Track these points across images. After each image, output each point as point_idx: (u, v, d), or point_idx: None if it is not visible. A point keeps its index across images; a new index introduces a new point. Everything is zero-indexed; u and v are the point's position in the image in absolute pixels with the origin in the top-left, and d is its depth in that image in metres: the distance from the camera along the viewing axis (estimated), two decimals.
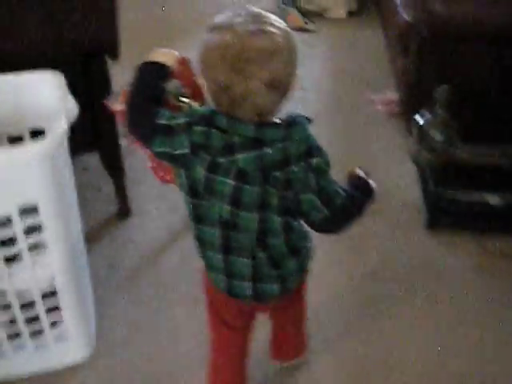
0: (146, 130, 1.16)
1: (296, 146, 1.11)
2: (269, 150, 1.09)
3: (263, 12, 1.11)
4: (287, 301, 1.40)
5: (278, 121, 1.13)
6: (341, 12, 3.73)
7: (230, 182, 1.12)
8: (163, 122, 1.14)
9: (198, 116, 1.13)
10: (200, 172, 1.12)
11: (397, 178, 2.39)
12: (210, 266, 1.28)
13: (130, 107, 1.20)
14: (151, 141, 1.15)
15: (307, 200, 1.15)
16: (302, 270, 1.33)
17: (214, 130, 1.10)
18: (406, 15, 2.43)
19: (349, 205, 1.20)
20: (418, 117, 2.28)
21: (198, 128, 1.11)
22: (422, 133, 2.28)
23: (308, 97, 2.83)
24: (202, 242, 1.25)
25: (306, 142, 1.12)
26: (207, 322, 1.44)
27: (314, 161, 1.12)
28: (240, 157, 1.10)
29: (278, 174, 1.11)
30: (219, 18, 1.11)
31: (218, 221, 1.18)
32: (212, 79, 1.08)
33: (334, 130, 2.65)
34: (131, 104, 1.20)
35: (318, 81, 3.05)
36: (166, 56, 1.24)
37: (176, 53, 1.27)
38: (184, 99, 1.38)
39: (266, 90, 1.06)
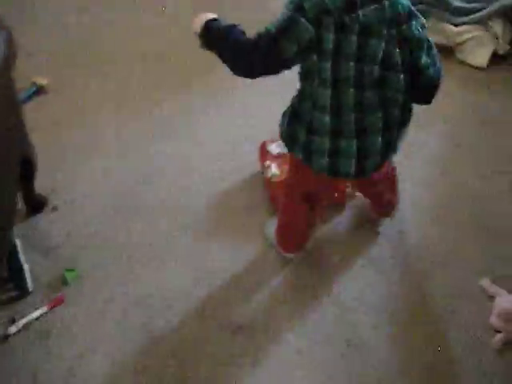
0: (273, 51, 1.21)
1: (402, 7, 1.23)
2: (387, 3, 1.21)
3: None
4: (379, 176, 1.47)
5: None
6: (482, 57, 2.37)
7: (355, 38, 1.21)
8: (277, 28, 1.20)
9: None
10: (328, 38, 1.20)
11: None
12: (315, 150, 1.33)
13: (248, 53, 1.23)
14: (283, 55, 1.21)
15: (425, 60, 1.28)
16: (399, 143, 1.39)
17: None
18: None
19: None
20: None
21: (310, 2, 1.19)
22: None
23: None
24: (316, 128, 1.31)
25: (407, 5, 1.25)
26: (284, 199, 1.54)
27: (419, 21, 1.27)
28: (361, 12, 1.20)
29: (394, 31, 1.23)
30: None
31: (346, 80, 1.25)
32: None
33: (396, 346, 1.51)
34: (246, 53, 1.23)
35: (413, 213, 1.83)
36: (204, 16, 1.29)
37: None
38: None
39: None
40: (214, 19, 1.29)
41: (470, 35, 2.36)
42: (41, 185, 1.71)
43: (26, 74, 2.08)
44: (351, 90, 1.26)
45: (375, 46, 1.23)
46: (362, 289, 1.57)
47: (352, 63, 1.24)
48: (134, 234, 1.69)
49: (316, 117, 1.30)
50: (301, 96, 1.34)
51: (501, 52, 2.38)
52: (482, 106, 2.19)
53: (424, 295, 1.57)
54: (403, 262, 1.65)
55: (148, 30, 2.60)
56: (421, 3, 2.39)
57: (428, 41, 1.31)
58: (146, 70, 2.35)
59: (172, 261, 1.63)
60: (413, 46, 1.27)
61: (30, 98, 2.15)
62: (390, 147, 1.38)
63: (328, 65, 1.23)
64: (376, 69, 1.25)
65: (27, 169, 1.59)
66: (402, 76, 1.28)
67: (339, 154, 1.33)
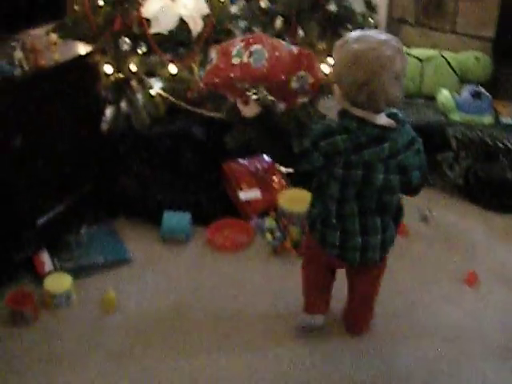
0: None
1: (404, 139, 1.61)
2: (387, 145, 1.57)
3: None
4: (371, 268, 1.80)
5: (394, 124, 1.58)
6: None
7: (360, 172, 1.59)
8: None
9: (334, 130, 1.60)
10: (338, 171, 1.60)
11: None
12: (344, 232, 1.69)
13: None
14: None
15: (415, 175, 1.67)
16: (392, 241, 1.75)
17: (342, 136, 1.57)
18: None
19: (427, 172, 1.76)
20: None
21: (325, 143, 1.58)
22: None
23: None
24: (340, 216, 1.67)
25: (409, 135, 1.63)
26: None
27: (416, 146, 1.65)
28: (366, 153, 1.57)
29: (392, 161, 1.60)
30: (352, 35, 1.57)
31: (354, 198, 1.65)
32: (351, 79, 1.52)
33: None
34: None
35: None
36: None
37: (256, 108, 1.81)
38: None
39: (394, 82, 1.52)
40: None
41: None
42: None
43: None
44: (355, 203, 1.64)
45: (375, 177, 1.60)
46: None
47: (357, 191, 1.62)
48: None
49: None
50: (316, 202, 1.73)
51: None
52: None
53: None
54: None
55: None
56: None
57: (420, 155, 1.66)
58: None
59: None
60: (408, 169, 1.64)
61: None
62: (386, 243, 1.72)
63: (337, 188, 1.62)
64: (375, 192, 1.62)
65: None
66: (395, 196, 1.67)
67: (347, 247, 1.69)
